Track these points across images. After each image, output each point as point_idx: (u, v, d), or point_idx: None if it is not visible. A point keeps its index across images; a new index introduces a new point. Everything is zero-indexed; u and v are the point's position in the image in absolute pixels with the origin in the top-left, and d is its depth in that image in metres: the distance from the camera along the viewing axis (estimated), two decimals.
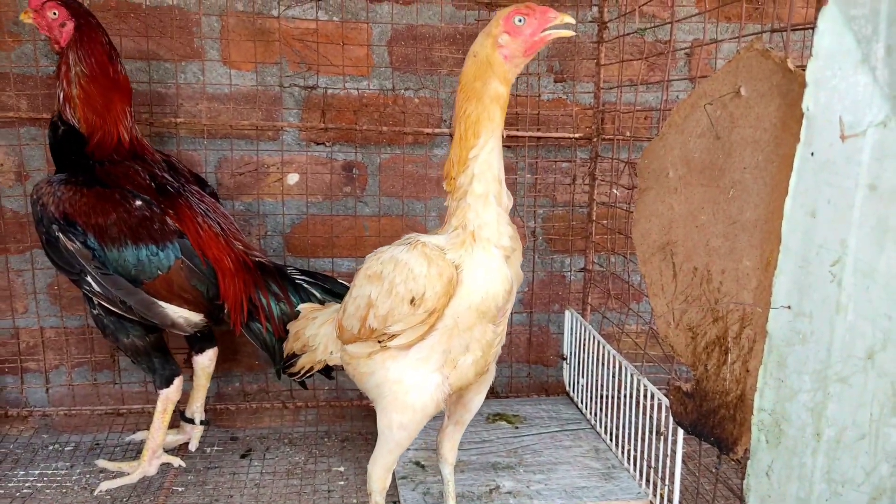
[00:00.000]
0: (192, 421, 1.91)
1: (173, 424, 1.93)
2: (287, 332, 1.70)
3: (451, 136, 2.12)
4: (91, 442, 2.06)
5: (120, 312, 1.64)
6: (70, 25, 1.67)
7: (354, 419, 2.27)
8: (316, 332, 1.60)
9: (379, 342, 1.35)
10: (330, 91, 2.07)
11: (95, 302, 1.64)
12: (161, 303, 1.64)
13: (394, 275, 1.29)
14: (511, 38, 1.25)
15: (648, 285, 1.45)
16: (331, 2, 2.02)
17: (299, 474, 1.91)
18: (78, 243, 1.58)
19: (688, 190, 1.36)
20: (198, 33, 1.98)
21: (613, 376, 1.90)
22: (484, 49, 1.26)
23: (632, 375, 1.77)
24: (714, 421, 1.35)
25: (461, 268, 1.28)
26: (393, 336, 1.33)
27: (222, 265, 1.69)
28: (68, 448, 2.03)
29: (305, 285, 1.76)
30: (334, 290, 1.76)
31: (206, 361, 1.88)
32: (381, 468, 1.45)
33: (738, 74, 1.24)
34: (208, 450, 2.02)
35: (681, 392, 1.41)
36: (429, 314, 1.27)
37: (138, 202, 1.64)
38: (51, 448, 2.03)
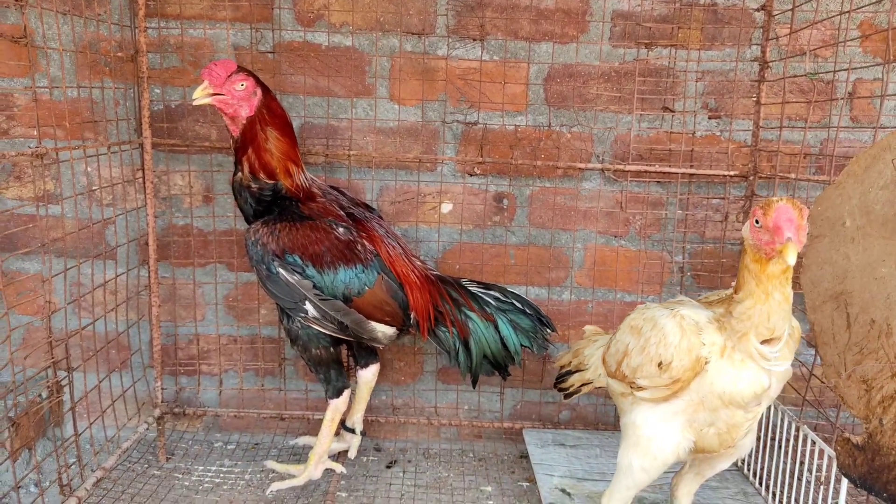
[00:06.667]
0: (352, 431, 2.05)
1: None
2: (470, 335, 1.88)
3: (602, 170, 2.18)
4: (255, 442, 2.26)
5: (327, 332, 1.81)
6: (259, 92, 1.77)
7: (491, 440, 2.35)
8: (592, 353, 1.75)
9: (631, 386, 1.46)
10: (488, 126, 2.17)
11: (297, 318, 1.79)
12: (369, 320, 1.81)
13: (650, 334, 1.41)
14: (751, 232, 1.29)
15: (817, 333, 1.44)
16: (493, 42, 2.13)
17: (448, 491, 2.01)
18: (297, 275, 1.74)
19: (866, 241, 1.35)
20: (370, 72, 2.14)
21: (766, 418, 1.88)
22: (746, 226, 1.31)
23: (789, 421, 1.75)
24: (888, 477, 1.33)
25: (709, 361, 1.34)
26: (640, 388, 1.43)
27: (409, 280, 1.85)
28: (231, 447, 2.24)
29: (480, 293, 1.92)
30: (506, 299, 1.92)
31: (369, 376, 2.02)
32: (617, 503, 1.53)
33: None
34: (357, 458, 2.16)
35: (850, 444, 1.40)
36: (673, 381, 1.36)
37: (341, 229, 1.80)
38: (219, 445, 2.24)
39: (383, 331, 1.84)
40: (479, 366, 1.90)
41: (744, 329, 1.31)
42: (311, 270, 1.75)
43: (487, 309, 1.89)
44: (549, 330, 1.95)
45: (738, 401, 1.34)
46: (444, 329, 1.87)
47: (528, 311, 1.91)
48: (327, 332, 1.80)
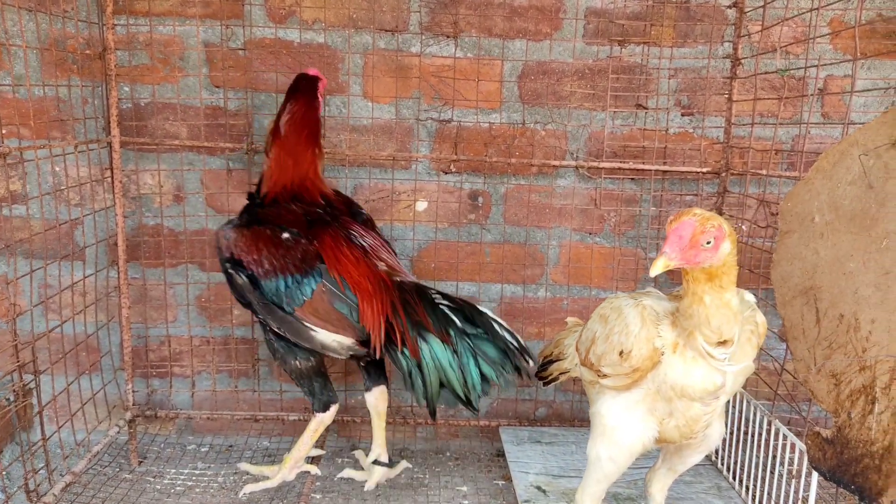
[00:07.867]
0: (387, 464, 1.95)
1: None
2: (423, 356, 1.71)
3: (576, 168, 2.18)
4: (229, 444, 2.23)
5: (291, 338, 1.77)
6: None
7: (468, 438, 2.34)
8: (571, 343, 1.73)
9: (597, 374, 1.47)
10: (462, 123, 2.16)
11: (268, 328, 1.78)
12: (311, 327, 1.73)
13: (614, 323, 1.42)
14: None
15: (788, 328, 1.45)
16: (467, 39, 2.12)
17: (424, 492, 2.00)
18: (244, 278, 1.75)
19: (835, 236, 1.36)
20: (343, 69, 2.12)
21: (739, 413, 1.89)
22: None
23: (761, 415, 1.76)
24: (856, 469, 1.34)
25: (664, 354, 1.35)
26: (605, 375, 1.44)
27: (361, 287, 1.73)
28: (204, 449, 2.21)
29: (446, 310, 1.70)
30: (473, 320, 1.69)
31: (372, 400, 1.93)
32: (589, 498, 1.54)
33: (894, 126, 1.24)
34: (332, 459, 2.14)
35: (820, 437, 1.41)
36: (633, 370, 1.37)
37: (285, 235, 1.76)
38: (192, 448, 2.21)
39: (339, 340, 1.74)
40: (436, 396, 1.70)
41: (689, 327, 1.32)
42: (252, 276, 1.75)
43: (450, 329, 1.68)
44: (525, 358, 1.68)
45: (691, 395, 1.35)
46: (394, 346, 1.71)
47: (497, 343, 1.67)
48: (301, 344, 1.77)
